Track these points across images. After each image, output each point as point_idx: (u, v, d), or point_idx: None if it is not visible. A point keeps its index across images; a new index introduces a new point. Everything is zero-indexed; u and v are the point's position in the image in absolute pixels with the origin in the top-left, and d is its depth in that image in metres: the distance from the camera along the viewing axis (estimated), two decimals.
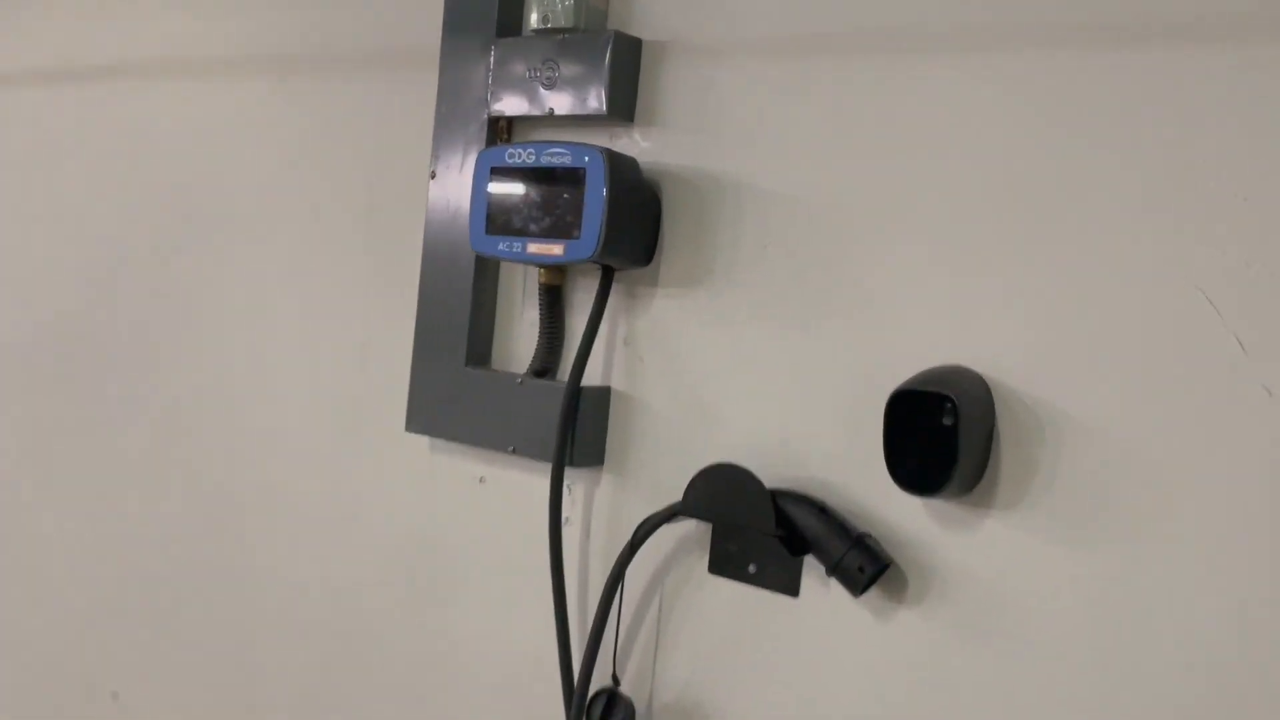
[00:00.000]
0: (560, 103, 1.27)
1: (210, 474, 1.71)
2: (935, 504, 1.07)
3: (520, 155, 1.24)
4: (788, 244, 1.16)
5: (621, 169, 1.19)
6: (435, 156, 1.40)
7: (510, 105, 1.32)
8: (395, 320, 1.48)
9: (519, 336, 1.38)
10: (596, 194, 1.17)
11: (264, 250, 1.65)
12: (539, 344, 1.33)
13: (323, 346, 1.58)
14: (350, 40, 1.55)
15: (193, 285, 1.74)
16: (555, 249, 1.21)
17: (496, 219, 1.26)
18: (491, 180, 1.27)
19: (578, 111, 1.26)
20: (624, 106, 1.26)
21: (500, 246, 1.26)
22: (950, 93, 1.07)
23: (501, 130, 1.36)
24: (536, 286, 1.33)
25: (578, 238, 1.19)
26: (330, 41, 1.58)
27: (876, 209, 1.11)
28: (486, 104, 1.34)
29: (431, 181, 1.40)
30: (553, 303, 1.32)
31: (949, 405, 1.04)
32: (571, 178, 1.20)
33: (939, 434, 1.04)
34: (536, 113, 1.29)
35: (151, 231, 1.80)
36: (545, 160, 1.22)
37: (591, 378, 1.30)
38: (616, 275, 1.27)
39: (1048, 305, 1.01)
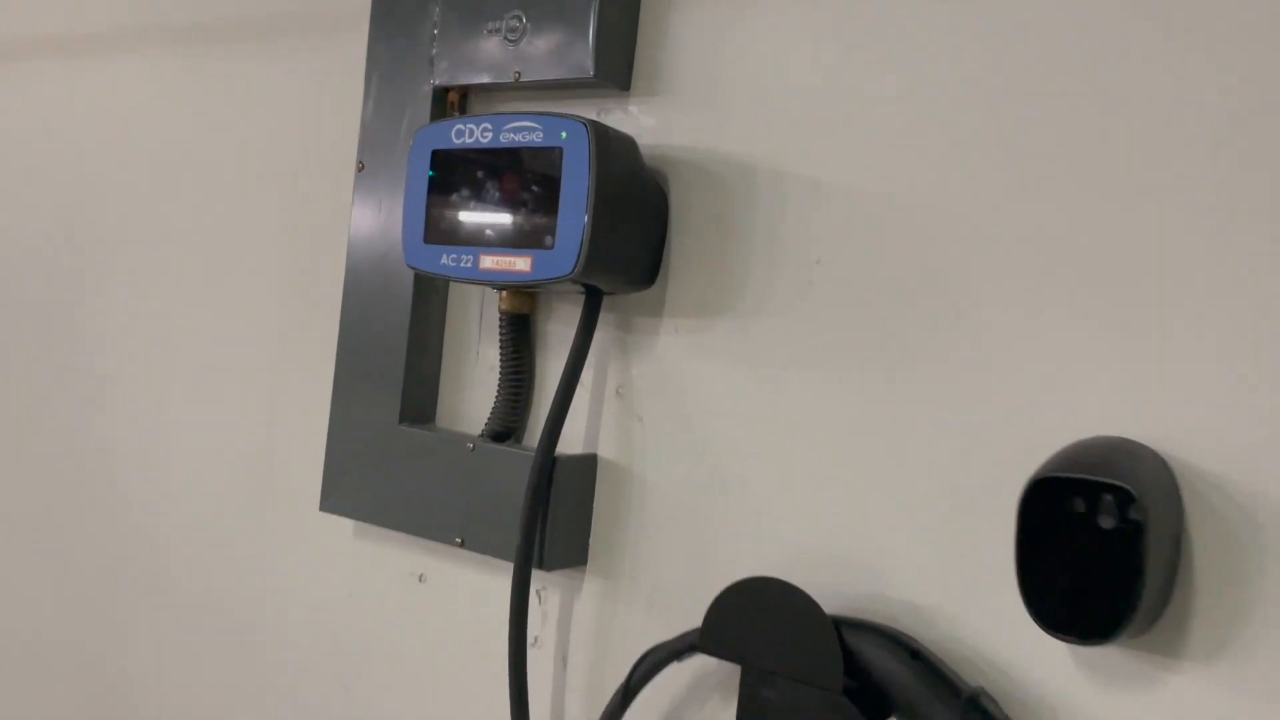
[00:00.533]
0: (531, 64, 0.92)
1: (85, 558, 1.34)
2: (1089, 648, 0.71)
3: (472, 133, 0.88)
4: (847, 258, 0.81)
5: (614, 151, 0.84)
6: (363, 143, 1.05)
7: (463, 70, 0.97)
8: (312, 362, 1.12)
9: (473, 385, 1.02)
10: (578, 185, 0.82)
11: (154, 267, 1.29)
12: (499, 395, 0.97)
13: (222, 396, 1.21)
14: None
15: (70, 309, 1.37)
16: (520, 263, 0.85)
17: (439, 223, 0.91)
18: (433, 169, 0.91)
19: (554, 75, 0.91)
20: (618, 68, 0.91)
21: (444, 260, 0.90)
22: (1106, 30, 0.72)
23: (453, 105, 1.01)
24: (496, 317, 0.97)
25: (551, 247, 0.83)
26: (236, 2, 1.23)
27: (983, 206, 0.76)
28: (431, 70, 0.99)
29: (358, 176, 1.05)
30: (518, 339, 0.97)
31: (1110, 498, 0.68)
32: (543, 163, 0.84)
33: (1096, 543, 0.69)
34: (498, 79, 0.94)
35: (25, 240, 1.43)
36: (507, 138, 0.86)
37: (571, 443, 0.94)
38: (606, 301, 0.91)
39: (1270, 349, 0.66)
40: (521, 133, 0.85)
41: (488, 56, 0.95)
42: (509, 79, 0.94)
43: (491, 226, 0.87)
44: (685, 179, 0.89)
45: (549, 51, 0.91)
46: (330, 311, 1.10)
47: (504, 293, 0.95)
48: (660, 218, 0.89)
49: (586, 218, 0.82)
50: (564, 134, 0.83)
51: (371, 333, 1.03)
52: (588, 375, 0.93)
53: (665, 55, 0.91)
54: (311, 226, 1.14)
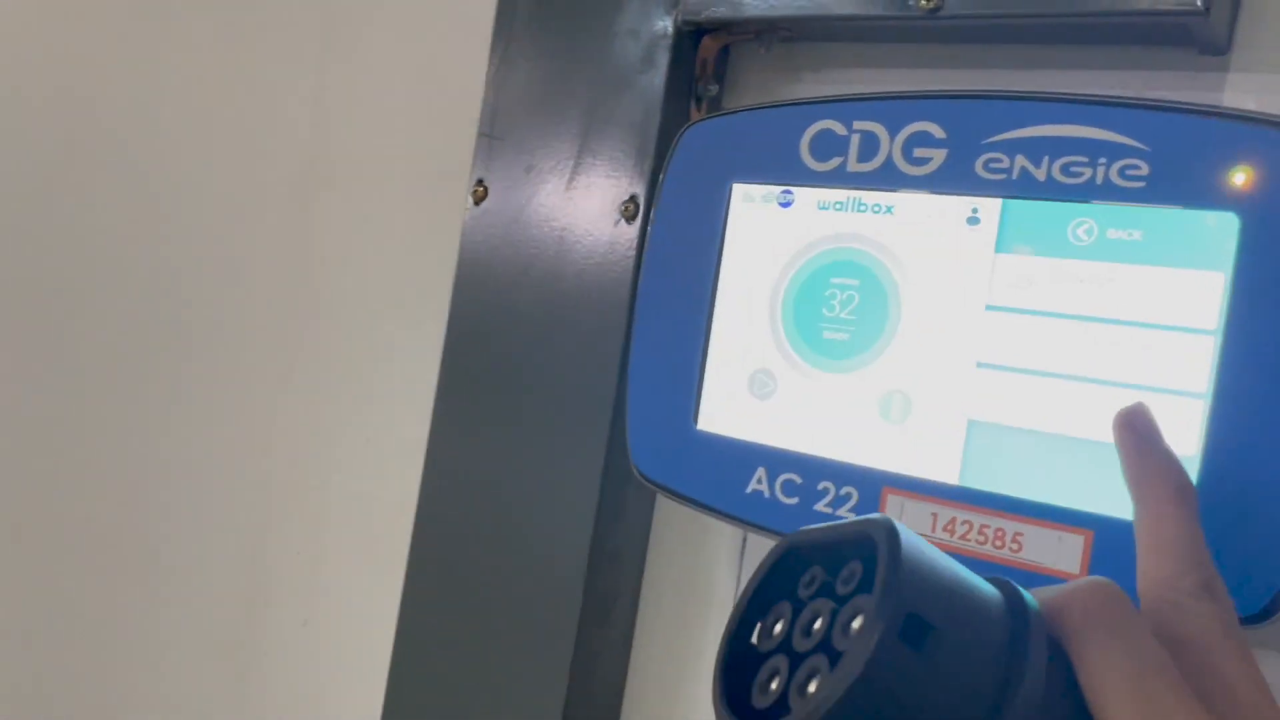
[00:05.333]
0: None
1: None
2: None
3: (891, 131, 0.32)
4: None
5: None
6: (487, 143, 0.47)
7: None
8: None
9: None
10: None
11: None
12: None
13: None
14: None
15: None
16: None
17: (735, 378, 0.34)
18: (727, 245, 0.34)
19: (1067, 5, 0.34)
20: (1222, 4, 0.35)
21: (752, 486, 0.33)
22: None
23: (705, 71, 0.44)
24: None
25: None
26: None
27: None
28: None
29: (472, 214, 0.47)
30: None
31: None
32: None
33: None
34: (866, 10, 0.38)
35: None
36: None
37: None
38: None
39: None
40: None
41: None
42: (900, 8, 0.37)
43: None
44: None
45: None
46: (393, 507, 0.53)
47: None
48: None
49: None
50: (1243, 174, 0.27)
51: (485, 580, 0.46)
52: None
53: None
54: (339, 329, 0.56)
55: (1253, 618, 0.26)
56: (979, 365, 0.30)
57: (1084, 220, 0.29)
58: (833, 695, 0.18)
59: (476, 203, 0.47)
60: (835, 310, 0.33)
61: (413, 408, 0.52)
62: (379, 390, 0.56)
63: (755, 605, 0.21)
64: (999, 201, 0.30)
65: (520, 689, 0.46)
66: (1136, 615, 0.20)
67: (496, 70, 0.47)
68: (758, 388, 0.34)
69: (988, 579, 0.21)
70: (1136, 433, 0.25)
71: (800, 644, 0.20)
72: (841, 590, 0.19)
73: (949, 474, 0.30)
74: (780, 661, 0.20)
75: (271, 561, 0.60)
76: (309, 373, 0.59)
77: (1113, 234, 0.28)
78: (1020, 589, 0.20)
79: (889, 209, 0.31)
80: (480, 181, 0.47)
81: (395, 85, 0.55)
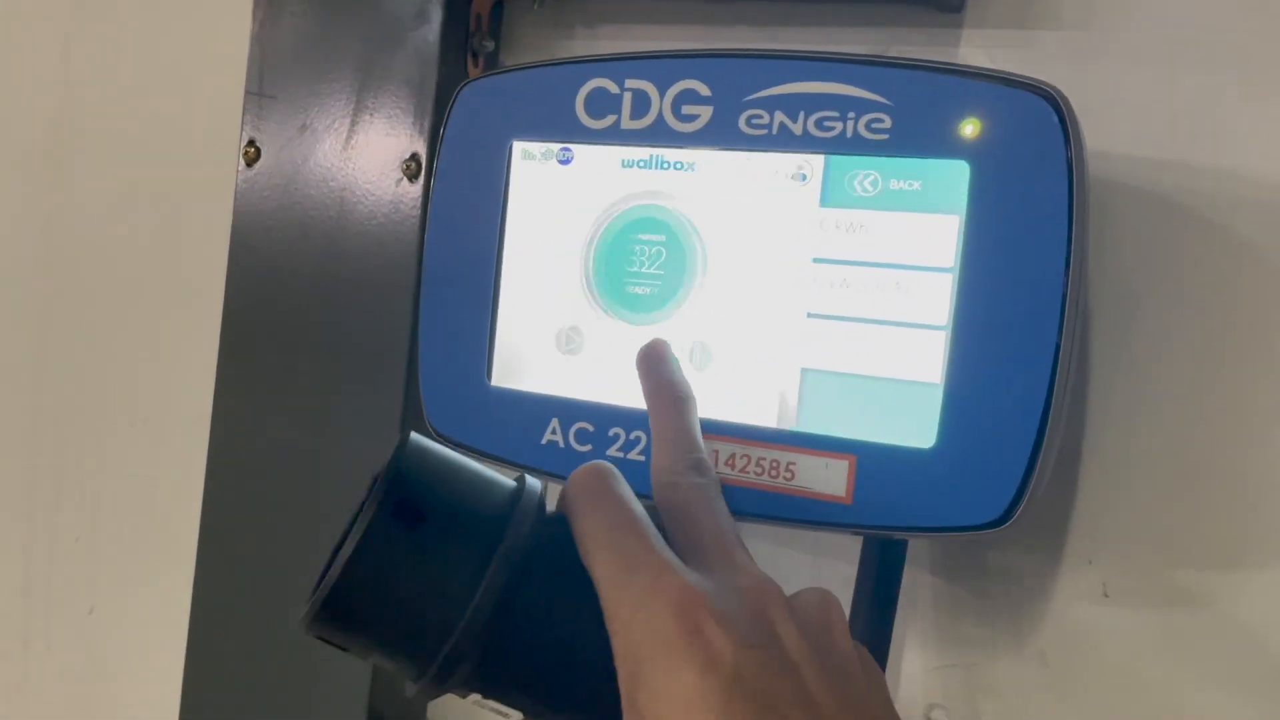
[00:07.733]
0: None
1: None
2: None
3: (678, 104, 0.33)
4: None
5: (1087, 175, 0.31)
6: (256, 99, 0.46)
7: None
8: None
9: None
10: (1031, 260, 0.29)
11: None
12: None
13: None
14: None
15: None
16: (811, 470, 0.32)
17: (532, 333, 0.35)
18: (512, 190, 0.35)
19: None
20: None
21: (549, 436, 0.34)
22: None
23: (480, 24, 0.44)
24: None
25: (930, 442, 0.30)
26: None
27: None
28: None
29: (244, 176, 0.46)
30: None
31: None
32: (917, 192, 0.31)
33: None
34: None
35: None
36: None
37: None
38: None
39: None
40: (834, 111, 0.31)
41: None
42: None
43: (717, 351, 0.33)
44: (1131, 234, 0.38)
45: None
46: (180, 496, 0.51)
47: None
48: None
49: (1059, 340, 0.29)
50: (972, 126, 0.30)
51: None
52: None
53: None
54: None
55: (994, 522, 0.30)
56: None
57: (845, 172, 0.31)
58: (336, 571, 0.23)
59: (249, 164, 0.46)
60: (641, 265, 0.34)
61: (192, 384, 0.50)
62: (152, 368, 0.53)
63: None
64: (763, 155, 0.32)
65: (324, 673, 0.46)
66: (616, 486, 0.25)
67: (261, 26, 0.46)
68: (564, 343, 0.35)
69: (514, 478, 0.26)
70: (650, 360, 0.31)
71: None
72: None
73: (742, 415, 0.33)
74: None
75: (48, 549, 0.57)
76: (72, 352, 0.55)
77: (861, 183, 0.31)
78: (529, 479, 0.26)
79: (691, 166, 0.33)
80: (252, 142, 0.46)
81: (153, 43, 0.52)
